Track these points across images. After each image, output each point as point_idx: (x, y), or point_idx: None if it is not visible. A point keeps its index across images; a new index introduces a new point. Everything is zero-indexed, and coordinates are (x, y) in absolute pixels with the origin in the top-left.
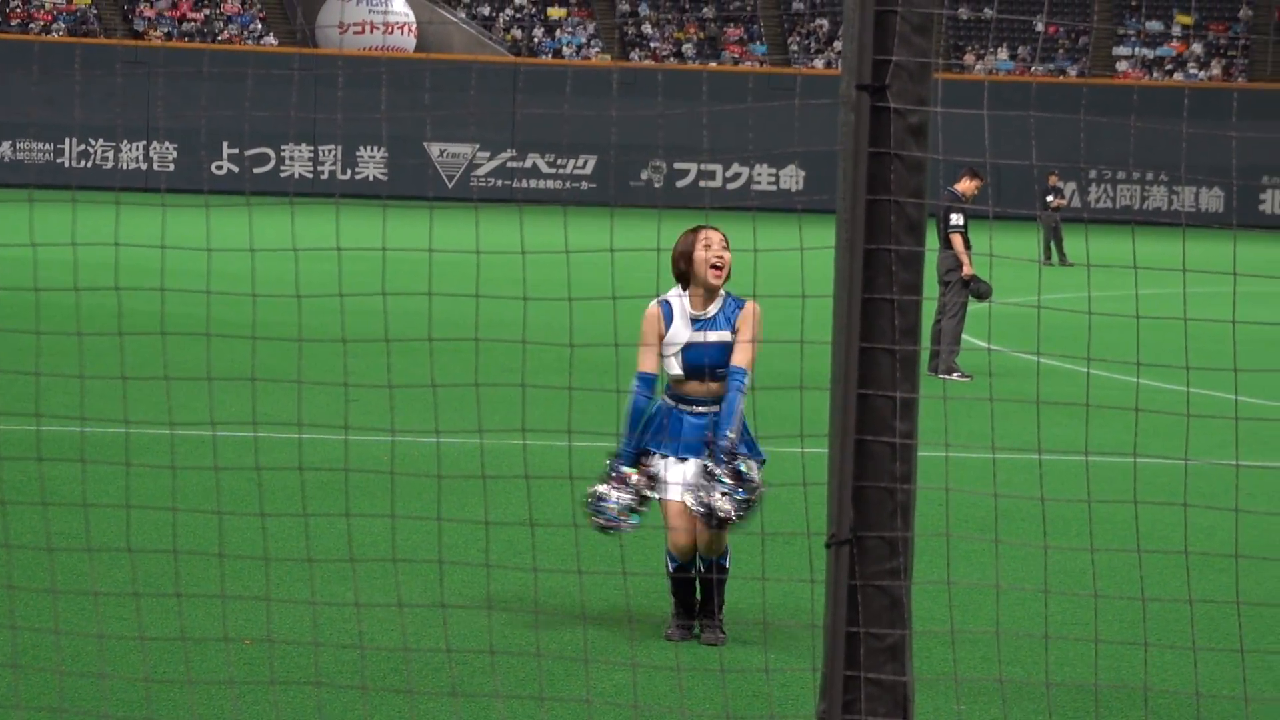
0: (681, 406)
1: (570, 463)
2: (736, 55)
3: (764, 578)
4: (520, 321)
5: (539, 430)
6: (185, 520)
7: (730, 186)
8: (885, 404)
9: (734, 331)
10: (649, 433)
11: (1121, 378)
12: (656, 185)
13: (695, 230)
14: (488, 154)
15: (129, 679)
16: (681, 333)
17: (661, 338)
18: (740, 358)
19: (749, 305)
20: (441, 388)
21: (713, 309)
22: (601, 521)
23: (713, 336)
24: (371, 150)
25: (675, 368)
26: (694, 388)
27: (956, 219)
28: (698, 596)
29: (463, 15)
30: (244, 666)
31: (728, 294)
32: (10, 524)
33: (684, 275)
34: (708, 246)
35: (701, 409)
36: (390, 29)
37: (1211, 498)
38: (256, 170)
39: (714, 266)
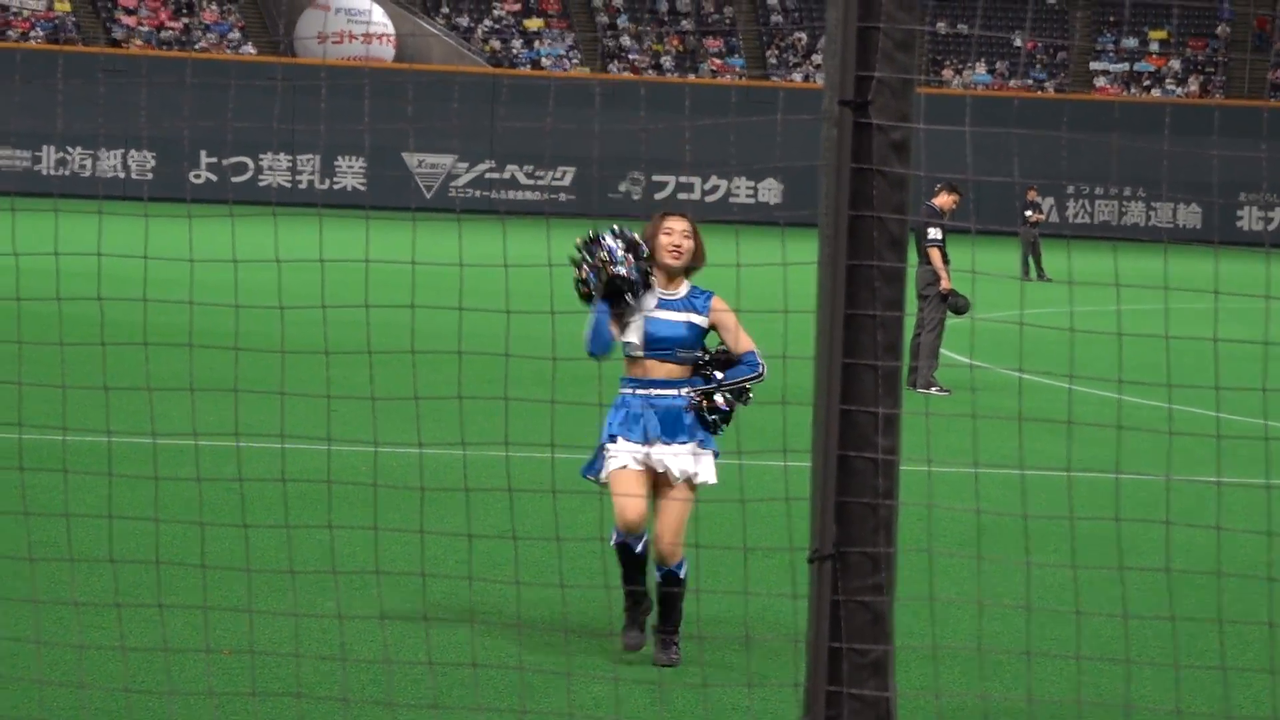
0: (639, 391)
1: (553, 475)
2: (715, 68)
3: (747, 592)
4: (502, 333)
5: (521, 443)
6: (167, 530)
7: (709, 199)
8: (868, 419)
9: (702, 316)
10: (609, 425)
11: (1103, 394)
12: (635, 197)
13: (661, 216)
14: (466, 165)
15: (109, 689)
16: (646, 303)
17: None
18: (746, 344)
19: (717, 299)
20: (424, 400)
21: (679, 291)
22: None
23: (676, 315)
24: (350, 160)
25: (634, 339)
26: (652, 367)
27: (934, 233)
28: (649, 595)
29: (441, 26)
30: (224, 677)
31: (693, 285)
32: None
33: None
34: (669, 233)
35: (660, 391)
36: (370, 39)
37: (1192, 515)
38: (235, 179)
39: (670, 250)
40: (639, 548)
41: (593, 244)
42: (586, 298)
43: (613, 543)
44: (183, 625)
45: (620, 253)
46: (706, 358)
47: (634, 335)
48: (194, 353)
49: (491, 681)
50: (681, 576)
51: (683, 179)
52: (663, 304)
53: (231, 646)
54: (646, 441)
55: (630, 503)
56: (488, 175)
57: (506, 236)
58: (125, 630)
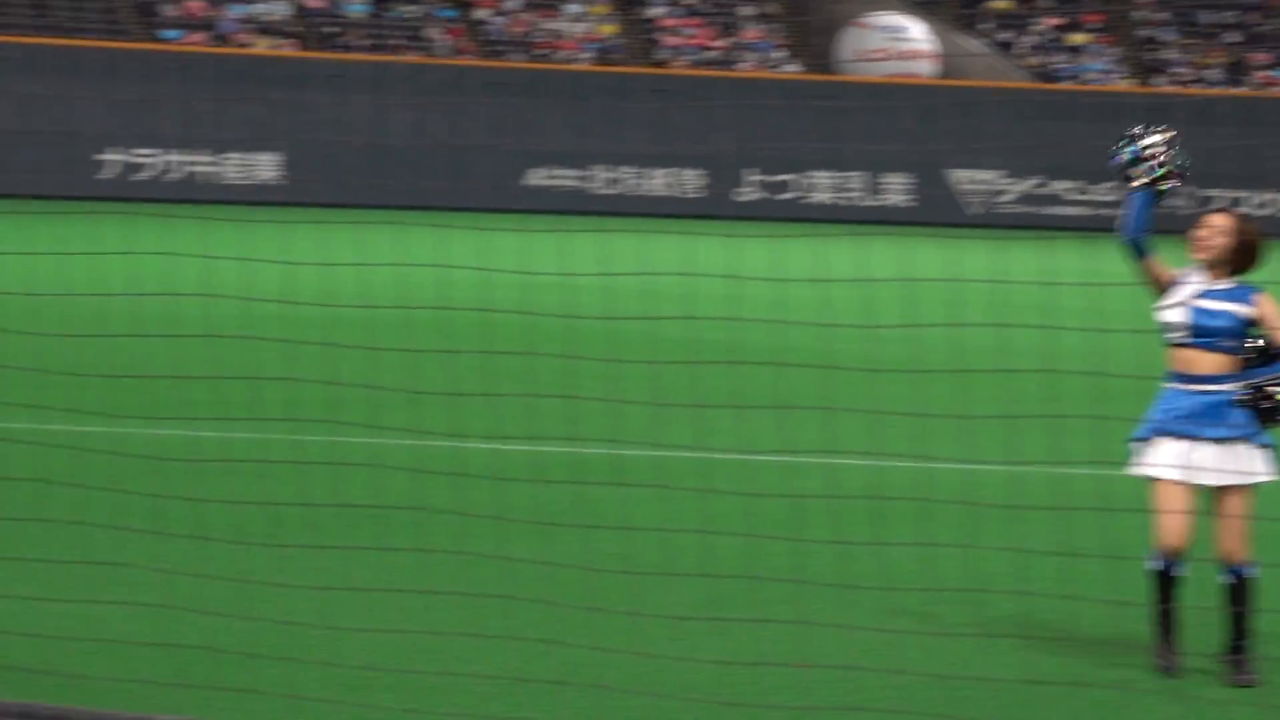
0: (1184, 386)
1: (1107, 496)
2: (1262, 80)
3: None
4: (1086, 352)
5: (1071, 461)
6: (762, 546)
7: (1262, 212)
8: None
9: (1245, 306)
10: (1153, 419)
11: None
12: (1182, 212)
13: (1206, 213)
14: (1013, 180)
15: (706, 700)
16: (1189, 290)
17: (1169, 283)
18: None
19: (1265, 295)
20: (1016, 419)
21: (1222, 283)
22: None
23: (1218, 304)
24: (896, 177)
25: (1177, 325)
26: (1194, 358)
27: None
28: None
29: (983, 43)
30: (818, 691)
31: (1240, 281)
32: (553, 545)
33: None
34: (1203, 226)
35: (1206, 386)
36: (908, 56)
37: None
38: (778, 197)
39: (1199, 241)
40: (1177, 572)
41: (1144, 135)
42: (1128, 179)
43: (1150, 566)
44: (777, 640)
45: (1165, 149)
46: (1254, 350)
47: (1176, 316)
48: (781, 371)
49: (1087, 699)
50: (1246, 576)
51: (1233, 194)
52: (1206, 294)
53: (822, 661)
54: (1193, 441)
55: (1174, 524)
56: (1035, 191)
57: (1055, 253)
58: (726, 643)
